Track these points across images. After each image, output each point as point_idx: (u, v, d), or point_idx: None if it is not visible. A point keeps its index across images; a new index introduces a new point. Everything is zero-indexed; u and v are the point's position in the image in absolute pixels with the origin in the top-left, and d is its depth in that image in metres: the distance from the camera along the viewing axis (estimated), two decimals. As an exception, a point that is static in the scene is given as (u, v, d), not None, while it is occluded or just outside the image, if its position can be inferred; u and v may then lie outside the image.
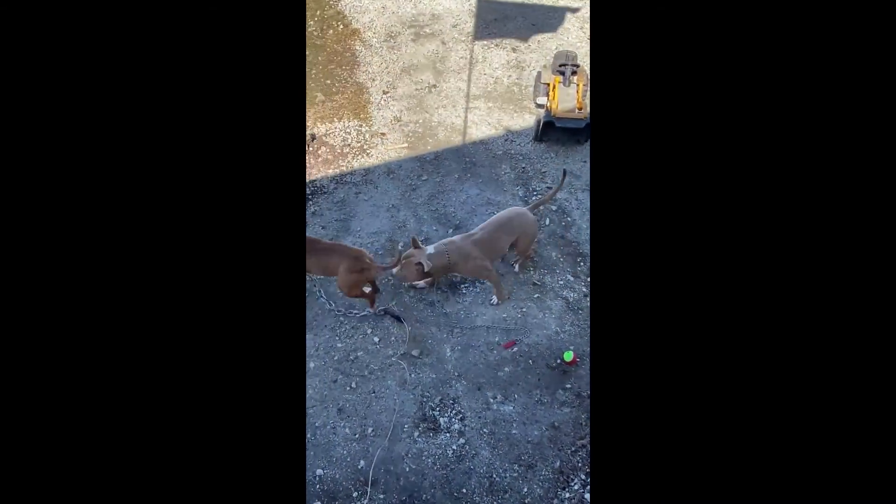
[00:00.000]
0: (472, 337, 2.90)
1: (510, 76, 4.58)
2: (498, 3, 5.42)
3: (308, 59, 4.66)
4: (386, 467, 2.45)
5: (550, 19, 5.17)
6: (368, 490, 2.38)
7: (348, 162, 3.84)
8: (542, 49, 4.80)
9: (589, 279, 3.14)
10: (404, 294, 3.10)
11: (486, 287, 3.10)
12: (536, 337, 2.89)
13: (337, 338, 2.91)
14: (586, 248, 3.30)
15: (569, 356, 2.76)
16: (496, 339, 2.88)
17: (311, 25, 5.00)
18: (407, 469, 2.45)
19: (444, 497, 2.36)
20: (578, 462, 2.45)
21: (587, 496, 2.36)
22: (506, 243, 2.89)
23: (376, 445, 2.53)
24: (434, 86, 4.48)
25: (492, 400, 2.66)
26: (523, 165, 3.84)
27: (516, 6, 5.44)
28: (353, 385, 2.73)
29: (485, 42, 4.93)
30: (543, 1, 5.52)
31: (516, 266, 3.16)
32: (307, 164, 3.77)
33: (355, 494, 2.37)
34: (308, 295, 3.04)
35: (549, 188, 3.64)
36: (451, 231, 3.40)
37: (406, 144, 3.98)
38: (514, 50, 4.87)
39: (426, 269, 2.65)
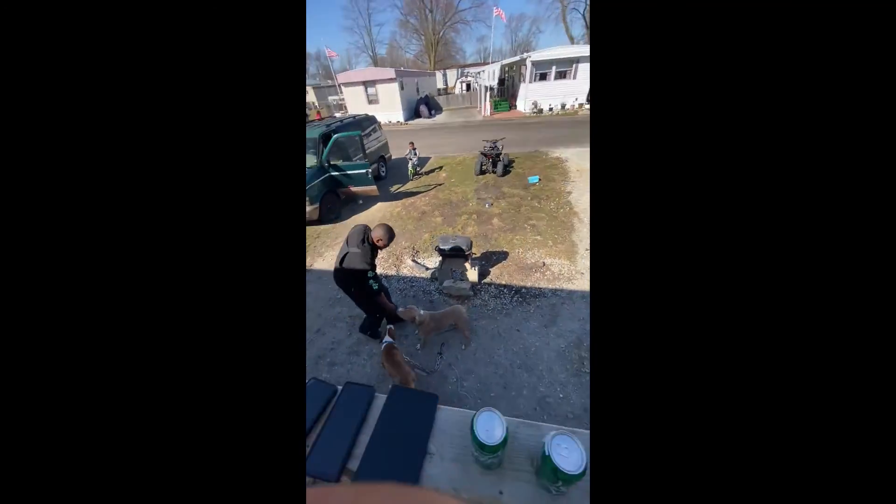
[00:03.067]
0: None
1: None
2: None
3: (550, 223, 4.71)
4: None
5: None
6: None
7: (559, 285, 3.50)
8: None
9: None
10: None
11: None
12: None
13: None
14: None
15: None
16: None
17: (553, 208, 5.13)
18: None
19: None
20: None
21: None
22: (448, 322, 2.57)
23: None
24: (619, 253, 3.92)
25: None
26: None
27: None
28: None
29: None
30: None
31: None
32: (541, 281, 3.56)
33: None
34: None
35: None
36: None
37: (597, 284, 3.46)
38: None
39: (417, 320, 2.39)
